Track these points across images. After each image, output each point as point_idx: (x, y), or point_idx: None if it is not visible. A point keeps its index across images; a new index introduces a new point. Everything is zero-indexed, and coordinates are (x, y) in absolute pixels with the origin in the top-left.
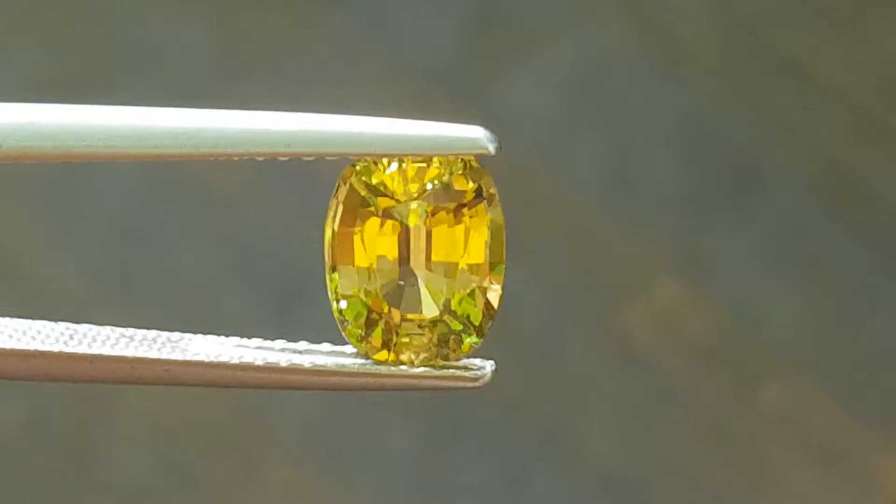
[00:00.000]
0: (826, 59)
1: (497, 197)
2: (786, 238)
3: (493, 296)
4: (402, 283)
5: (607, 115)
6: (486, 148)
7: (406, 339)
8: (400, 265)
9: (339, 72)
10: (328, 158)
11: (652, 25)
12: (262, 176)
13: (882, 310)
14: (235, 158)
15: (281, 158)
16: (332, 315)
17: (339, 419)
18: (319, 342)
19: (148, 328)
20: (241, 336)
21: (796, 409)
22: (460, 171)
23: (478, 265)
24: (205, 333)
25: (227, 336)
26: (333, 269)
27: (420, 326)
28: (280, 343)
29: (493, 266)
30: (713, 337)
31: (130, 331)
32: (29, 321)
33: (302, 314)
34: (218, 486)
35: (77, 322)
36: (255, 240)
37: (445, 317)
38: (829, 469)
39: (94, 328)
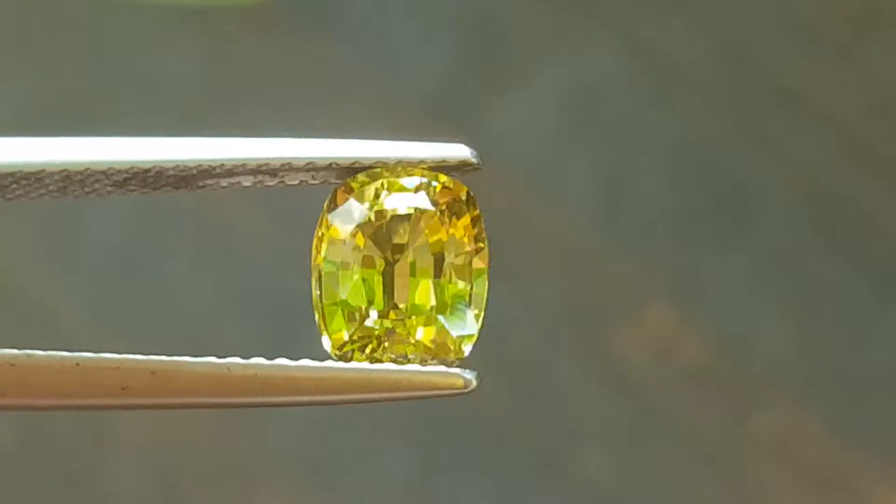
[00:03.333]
0: (819, 85)
1: (483, 232)
2: (779, 263)
3: (474, 318)
4: (387, 316)
5: (601, 140)
6: (470, 158)
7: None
8: (385, 302)
9: (335, 97)
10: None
11: (645, 51)
12: (258, 204)
13: (875, 335)
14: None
15: (269, 183)
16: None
17: (334, 444)
18: None
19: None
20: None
21: (789, 434)
22: (444, 208)
23: (461, 295)
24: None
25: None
26: (320, 304)
27: (404, 348)
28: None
29: (475, 297)
30: (706, 362)
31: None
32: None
33: (300, 342)
34: None
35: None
36: (252, 268)
37: (427, 340)
38: (822, 495)
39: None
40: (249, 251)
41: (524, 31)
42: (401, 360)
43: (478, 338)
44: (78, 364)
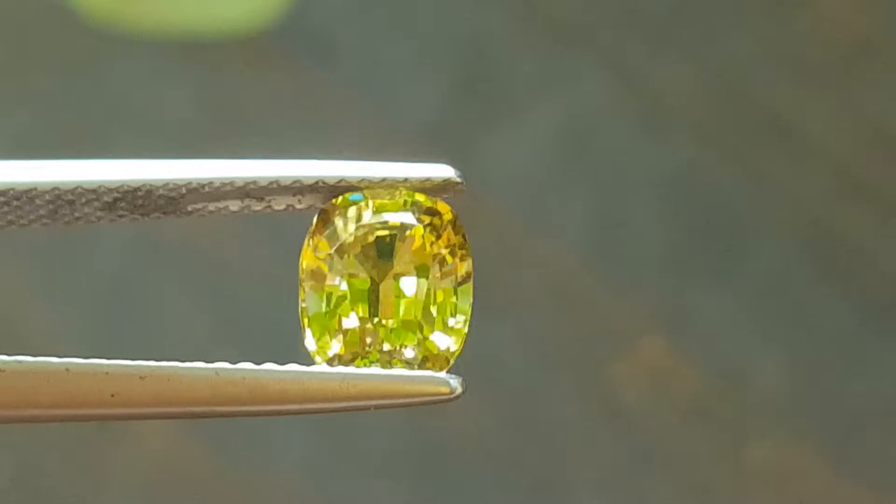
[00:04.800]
0: (811, 118)
1: (467, 247)
2: (771, 296)
3: (459, 332)
4: (373, 332)
5: (593, 173)
6: (454, 177)
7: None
8: (371, 318)
9: (329, 129)
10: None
11: (638, 84)
12: (254, 234)
13: (868, 367)
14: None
15: (256, 207)
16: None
17: (331, 478)
18: None
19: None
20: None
21: (783, 465)
22: (428, 225)
23: (446, 310)
24: None
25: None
26: (307, 324)
27: (390, 357)
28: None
29: (459, 311)
30: (699, 394)
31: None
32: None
33: None
34: None
35: None
36: (246, 298)
37: (412, 355)
38: None
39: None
40: (244, 281)
41: (518, 65)
42: (387, 366)
43: (461, 350)
44: (67, 369)
